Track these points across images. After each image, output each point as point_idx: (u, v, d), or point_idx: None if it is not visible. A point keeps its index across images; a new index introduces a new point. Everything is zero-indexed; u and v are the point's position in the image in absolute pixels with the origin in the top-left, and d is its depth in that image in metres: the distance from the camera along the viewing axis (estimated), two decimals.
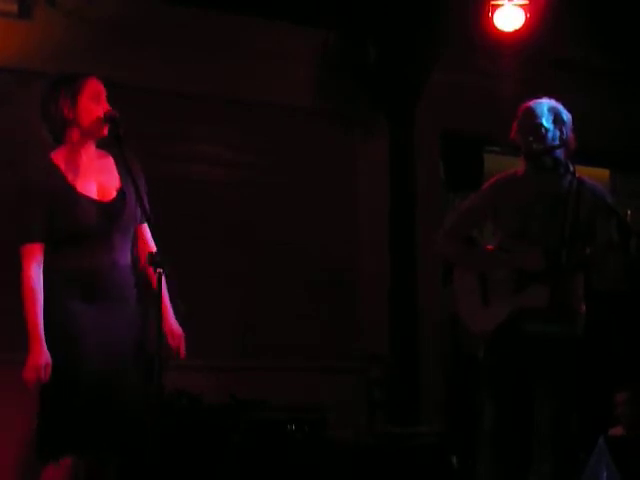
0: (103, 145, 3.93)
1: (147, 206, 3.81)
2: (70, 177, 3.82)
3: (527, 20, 6.33)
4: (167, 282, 3.70)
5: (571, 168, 4.37)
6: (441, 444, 6.09)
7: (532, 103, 4.44)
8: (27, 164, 3.89)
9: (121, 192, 3.88)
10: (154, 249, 3.77)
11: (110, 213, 3.83)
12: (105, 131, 3.85)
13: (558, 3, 6.43)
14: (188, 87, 6.67)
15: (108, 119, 3.83)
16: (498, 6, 6.36)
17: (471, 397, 4.79)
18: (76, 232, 3.77)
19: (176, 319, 3.97)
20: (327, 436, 5.91)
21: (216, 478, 5.52)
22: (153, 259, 3.58)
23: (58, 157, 3.85)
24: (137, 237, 3.97)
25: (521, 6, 6.34)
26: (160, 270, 3.56)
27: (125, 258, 3.89)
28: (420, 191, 7.37)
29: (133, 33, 6.44)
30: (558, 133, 4.38)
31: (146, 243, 3.96)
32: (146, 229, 3.97)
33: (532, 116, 4.39)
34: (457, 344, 7.13)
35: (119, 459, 3.85)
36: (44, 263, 3.76)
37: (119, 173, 3.91)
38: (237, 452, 5.61)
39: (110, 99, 3.91)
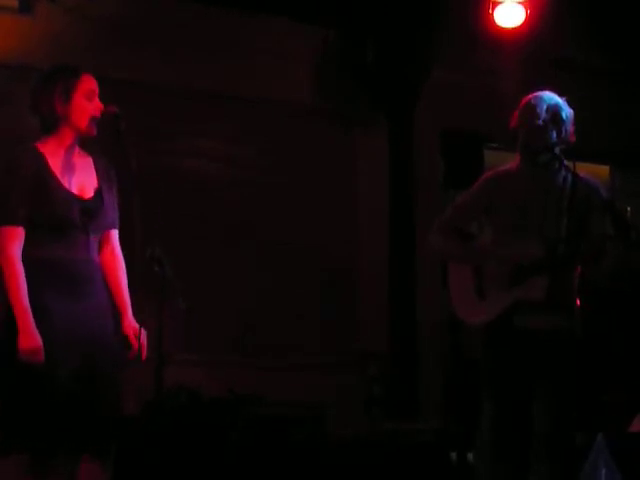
0: (84, 144, 3.95)
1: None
2: (54, 168, 3.83)
3: (527, 17, 6.34)
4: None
5: (566, 162, 4.36)
6: (440, 441, 6.09)
7: (533, 99, 4.40)
8: (13, 149, 3.89)
9: (98, 192, 3.90)
10: (121, 256, 3.90)
11: (88, 211, 3.85)
12: (94, 130, 3.87)
13: (558, 1, 6.45)
14: (188, 85, 6.68)
15: (109, 115, 3.85)
16: (498, 3, 6.37)
17: (470, 394, 4.79)
18: (56, 223, 3.78)
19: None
20: (326, 433, 5.91)
21: (215, 474, 5.52)
22: (153, 256, 3.60)
23: (44, 147, 3.86)
24: (104, 241, 3.98)
25: (521, 3, 6.35)
26: (161, 266, 3.58)
27: (96, 256, 3.91)
28: (420, 190, 7.38)
29: (134, 30, 6.45)
30: (556, 133, 4.36)
31: (113, 250, 3.99)
32: (115, 235, 4.01)
33: (531, 115, 4.36)
34: (456, 343, 7.13)
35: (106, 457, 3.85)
36: (22, 252, 3.75)
37: (97, 174, 3.93)
38: (236, 448, 5.61)
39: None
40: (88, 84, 3.88)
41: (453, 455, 5.87)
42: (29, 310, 3.66)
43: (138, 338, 3.85)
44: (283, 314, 6.93)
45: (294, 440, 5.75)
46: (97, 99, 3.89)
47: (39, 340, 3.65)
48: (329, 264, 7.20)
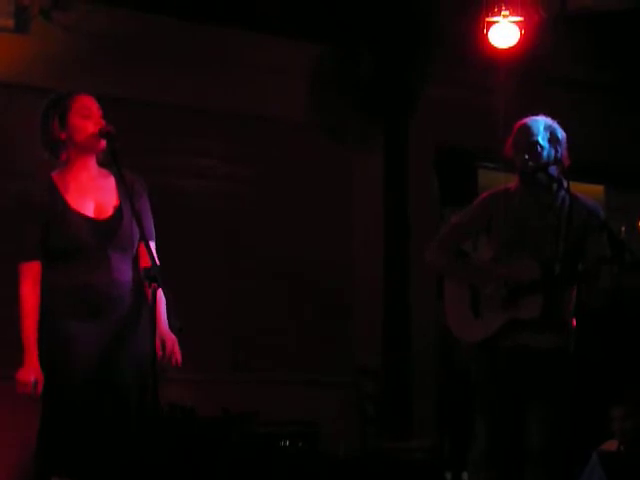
0: (105, 163, 3.95)
1: (147, 224, 3.87)
2: (66, 195, 3.85)
3: (522, 37, 6.35)
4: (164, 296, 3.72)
5: (564, 184, 4.40)
6: (434, 459, 6.09)
7: (528, 120, 4.46)
8: (27, 183, 3.93)
9: (118, 210, 3.89)
10: (149, 264, 3.79)
11: (105, 231, 3.84)
12: (102, 145, 3.88)
13: (553, 21, 6.46)
14: (185, 101, 6.68)
15: (103, 134, 3.86)
16: (493, 23, 6.38)
17: (464, 412, 4.79)
18: (69, 249, 3.79)
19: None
20: (320, 450, 5.90)
21: None
22: (147, 274, 3.60)
23: (57, 176, 3.89)
24: (138, 255, 3.98)
25: (516, 23, 6.36)
26: (154, 285, 3.57)
27: (125, 275, 3.89)
28: (415, 206, 7.39)
29: (130, 47, 6.44)
30: (553, 152, 4.41)
31: (144, 260, 3.97)
32: (149, 247, 3.99)
33: (528, 134, 4.41)
34: (450, 359, 7.14)
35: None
36: (43, 281, 3.80)
37: (118, 192, 3.93)
38: (230, 466, 5.61)
39: (107, 113, 3.93)
40: (82, 102, 3.89)
41: (448, 475, 5.88)
42: (34, 345, 3.74)
43: (163, 347, 3.79)
44: (278, 329, 6.92)
45: (288, 458, 5.75)
46: (97, 116, 3.89)
47: (34, 376, 3.71)
48: (325, 278, 7.19)
